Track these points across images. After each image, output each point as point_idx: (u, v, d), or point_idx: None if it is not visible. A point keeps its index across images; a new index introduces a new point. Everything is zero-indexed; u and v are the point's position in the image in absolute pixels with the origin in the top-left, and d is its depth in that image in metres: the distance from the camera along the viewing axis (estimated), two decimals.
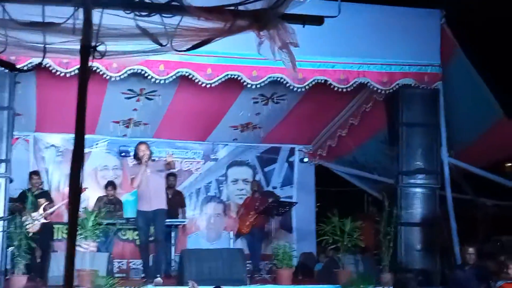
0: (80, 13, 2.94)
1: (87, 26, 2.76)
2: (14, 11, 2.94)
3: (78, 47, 2.87)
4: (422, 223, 9.36)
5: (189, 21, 3.10)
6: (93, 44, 2.89)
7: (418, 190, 9.47)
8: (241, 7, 3.14)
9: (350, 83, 9.07)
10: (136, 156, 9.17)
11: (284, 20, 3.18)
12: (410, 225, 9.36)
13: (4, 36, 2.97)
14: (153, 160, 9.32)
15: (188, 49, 3.21)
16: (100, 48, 3.00)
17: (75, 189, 2.95)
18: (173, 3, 3.02)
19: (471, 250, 8.36)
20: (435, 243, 9.36)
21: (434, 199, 9.49)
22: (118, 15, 3.06)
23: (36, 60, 7.83)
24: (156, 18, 3.04)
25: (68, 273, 3.02)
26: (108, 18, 3.00)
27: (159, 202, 9.11)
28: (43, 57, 3.03)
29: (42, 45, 3.00)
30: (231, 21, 3.07)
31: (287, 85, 8.94)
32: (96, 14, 2.94)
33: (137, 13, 3.00)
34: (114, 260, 10.12)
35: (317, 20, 3.41)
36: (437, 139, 9.52)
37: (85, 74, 2.80)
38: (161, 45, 3.10)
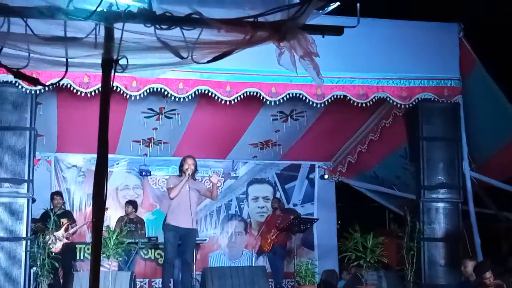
0: (102, 27, 2.97)
1: (108, 40, 2.79)
2: (37, 26, 2.99)
3: (100, 61, 2.90)
4: (445, 238, 9.26)
5: (209, 34, 3.12)
6: (114, 57, 2.92)
7: (440, 204, 9.38)
8: (260, 19, 3.15)
9: (370, 98, 9.04)
10: (180, 168, 9.12)
11: (303, 30, 3.18)
12: (433, 240, 9.26)
13: (27, 51, 3.02)
14: (195, 179, 9.26)
15: (208, 61, 3.22)
16: (122, 61, 3.02)
17: (99, 207, 2.95)
18: (193, 16, 3.04)
19: (469, 264, 8.30)
20: (459, 258, 9.25)
21: (457, 213, 9.39)
22: (139, 31, 3.09)
23: (58, 80, 8.05)
24: (176, 31, 3.07)
25: None
26: (129, 32, 3.03)
27: (194, 220, 8.99)
28: (66, 71, 3.05)
29: (64, 59, 3.04)
30: (251, 32, 3.09)
31: (306, 101, 8.93)
32: (117, 28, 2.98)
33: (157, 26, 3.03)
34: (136, 280, 10.11)
35: (337, 31, 3.42)
36: (458, 153, 9.44)
37: (107, 88, 2.82)
38: (181, 57, 3.12)
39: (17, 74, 3.04)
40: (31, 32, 2.94)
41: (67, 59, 3.04)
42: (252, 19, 3.13)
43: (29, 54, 3.06)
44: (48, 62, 3.11)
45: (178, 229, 8.91)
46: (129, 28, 3.00)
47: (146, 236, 10.87)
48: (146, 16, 3.00)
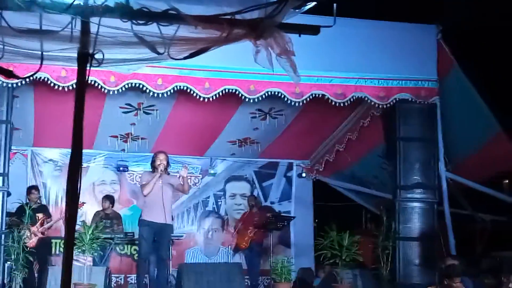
0: (78, 21, 2.96)
1: (84, 34, 2.79)
2: (12, 19, 2.97)
3: (76, 55, 2.89)
4: (421, 238, 9.34)
5: (186, 30, 3.12)
6: (90, 52, 2.91)
7: (416, 204, 9.48)
8: (237, 16, 3.16)
9: (348, 98, 9.09)
10: (153, 164, 9.07)
11: (280, 29, 3.20)
12: (408, 240, 9.35)
13: (1, 43, 3.00)
14: (168, 174, 9.20)
15: (185, 58, 3.22)
16: (98, 56, 3.01)
17: (73, 202, 2.94)
18: (170, 12, 3.03)
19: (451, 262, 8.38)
20: (433, 257, 9.33)
21: (432, 213, 9.49)
22: (116, 26, 3.08)
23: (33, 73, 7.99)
24: (153, 26, 3.06)
25: (65, 286, 3.00)
26: (105, 26, 3.02)
27: (169, 215, 8.92)
28: (40, 65, 3.04)
29: (39, 52, 3.02)
30: (228, 30, 3.09)
31: (285, 99, 8.95)
32: (93, 22, 2.97)
33: (134, 21, 3.02)
34: (111, 275, 10.06)
35: (313, 30, 3.43)
36: (434, 153, 9.53)
37: (82, 82, 2.81)
38: (158, 53, 3.12)
39: None
40: (6, 24, 2.92)
41: (42, 52, 3.02)
42: (229, 17, 3.14)
43: (3, 46, 3.04)
44: (23, 55, 3.09)
45: (153, 224, 8.86)
46: (106, 22, 2.99)
47: (123, 231, 10.82)
48: (123, 11, 3.00)
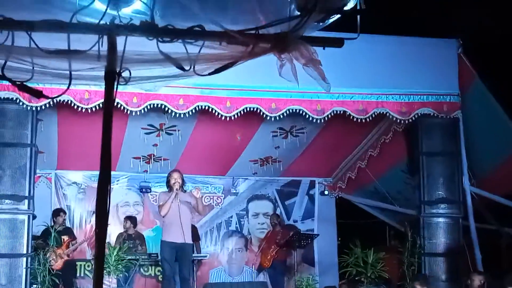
0: (105, 40, 3.00)
1: (111, 52, 2.82)
2: (40, 39, 3.02)
3: (103, 73, 2.93)
4: (446, 253, 9.25)
5: (211, 46, 3.15)
6: (117, 70, 2.94)
7: (440, 220, 9.39)
8: (262, 31, 3.19)
9: (369, 114, 9.07)
10: (168, 184, 9.09)
11: (304, 41, 3.22)
12: (434, 256, 9.26)
13: (31, 64, 3.05)
14: (184, 191, 9.22)
15: (210, 73, 3.25)
16: (124, 74, 3.05)
17: (102, 222, 2.96)
18: (195, 28, 3.07)
19: (477, 278, 8.31)
20: (460, 273, 9.24)
21: (457, 228, 9.39)
22: (142, 44, 3.12)
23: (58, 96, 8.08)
24: (178, 43, 3.10)
25: None
26: (131, 44, 3.06)
27: (188, 234, 8.90)
28: (69, 84, 3.08)
29: (67, 72, 3.07)
30: (252, 44, 3.12)
31: (306, 116, 8.96)
32: (120, 41, 3.01)
33: (159, 39, 3.06)
34: None
35: (337, 43, 3.45)
36: (458, 168, 9.46)
37: (110, 100, 2.85)
38: (184, 69, 3.15)
39: (21, 86, 3.07)
40: (35, 45, 2.97)
41: (70, 72, 3.06)
42: (253, 32, 3.17)
43: (33, 67, 3.09)
44: (52, 74, 3.13)
45: (173, 244, 8.87)
46: (132, 41, 3.03)
47: (147, 252, 10.83)
48: (149, 29, 3.03)
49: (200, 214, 9.72)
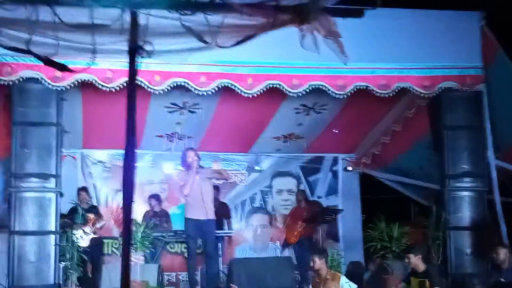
0: (127, 14, 3.04)
1: (134, 26, 2.86)
2: (64, 14, 3.07)
3: (126, 47, 2.97)
4: (471, 227, 9.24)
5: (232, 18, 3.18)
6: (140, 43, 2.98)
7: (465, 193, 9.36)
8: (282, 2, 3.20)
9: (391, 89, 9.02)
10: (185, 163, 9.19)
11: (324, 13, 3.23)
12: (459, 229, 9.24)
13: (55, 39, 3.10)
14: (202, 167, 9.32)
15: (232, 45, 3.28)
16: (148, 47, 3.09)
17: (128, 199, 3.03)
18: (216, 1, 3.09)
19: (502, 251, 8.30)
20: (485, 246, 9.22)
21: (482, 202, 9.36)
22: (164, 17, 3.16)
23: (81, 76, 8.17)
24: (200, 16, 3.13)
25: (125, 284, 3.09)
26: (153, 18, 3.10)
27: (210, 211, 9.04)
28: (93, 57, 3.13)
29: (91, 46, 3.12)
30: (273, 16, 3.14)
31: (328, 92, 8.94)
32: (142, 15, 3.04)
33: (181, 12, 3.09)
34: (163, 273, 10.19)
35: (357, 13, 3.45)
36: (482, 141, 9.40)
37: (134, 74, 2.89)
38: (205, 42, 3.18)
39: (46, 61, 3.12)
40: (59, 20, 3.02)
41: (94, 47, 3.11)
42: (274, 3, 3.18)
43: (57, 42, 3.14)
44: (76, 49, 3.19)
45: (196, 221, 9.00)
46: (154, 14, 3.07)
47: (172, 229, 10.95)
48: (170, 2, 3.07)
49: (227, 179, 9.74)
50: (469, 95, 9.34)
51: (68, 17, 3.09)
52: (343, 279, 7.84)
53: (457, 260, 9.19)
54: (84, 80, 8.30)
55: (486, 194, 9.42)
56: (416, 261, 8.10)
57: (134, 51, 2.86)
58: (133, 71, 2.86)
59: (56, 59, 3.14)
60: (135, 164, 3.01)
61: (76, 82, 8.36)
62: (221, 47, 3.26)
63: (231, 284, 7.73)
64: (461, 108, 9.42)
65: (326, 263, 8.16)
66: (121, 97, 8.42)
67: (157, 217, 10.98)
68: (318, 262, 8.01)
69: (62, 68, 3.24)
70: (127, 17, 3.04)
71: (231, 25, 3.15)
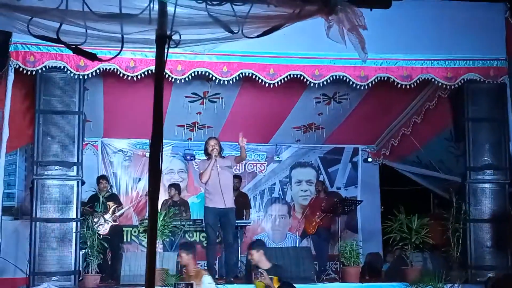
0: (155, 4, 3.06)
1: (162, 15, 2.87)
2: (93, 3, 3.09)
3: (154, 36, 2.99)
4: (492, 219, 9.19)
5: (259, 8, 3.18)
6: (168, 33, 3.00)
7: (486, 186, 9.32)
8: None
9: (414, 80, 8.97)
10: (206, 151, 9.25)
11: (351, 3, 3.22)
12: (479, 222, 9.21)
13: (84, 28, 3.12)
14: (223, 157, 9.36)
15: (258, 36, 3.28)
16: (175, 37, 3.11)
17: (154, 187, 3.05)
18: None
19: None
20: (506, 239, 9.18)
21: (503, 194, 9.31)
22: (191, 6, 3.17)
23: (105, 65, 8.21)
24: (227, 6, 3.14)
25: (150, 271, 3.12)
26: (181, 8, 3.12)
27: (229, 199, 9.10)
28: (121, 48, 3.15)
29: (119, 35, 3.14)
30: (300, 6, 3.14)
31: (350, 83, 8.92)
32: (170, 5, 3.06)
33: (208, 1, 3.10)
34: None
35: (385, 3, 3.44)
36: (505, 133, 9.33)
37: (161, 63, 2.91)
38: (232, 32, 3.19)
39: (76, 50, 3.15)
40: (88, 9, 3.04)
41: (122, 35, 3.13)
42: None
43: (86, 31, 3.17)
44: (104, 38, 3.21)
45: (215, 210, 9.08)
46: (182, 3, 3.08)
47: (191, 218, 11.00)
48: None
49: (243, 159, 9.73)
50: (493, 87, 9.27)
51: (97, 7, 3.12)
52: (206, 279, 7.79)
53: (476, 252, 9.16)
54: (107, 69, 8.34)
55: (508, 187, 9.36)
56: (259, 257, 8.01)
57: (162, 40, 2.87)
58: (161, 61, 2.88)
59: (84, 48, 3.17)
60: (161, 153, 3.02)
61: (98, 71, 8.40)
62: (248, 37, 3.27)
63: (259, 269, 7.71)
64: (484, 100, 9.36)
65: (194, 259, 8.21)
66: (142, 87, 8.55)
67: (176, 206, 11.02)
68: (185, 257, 8.07)
69: (92, 57, 3.26)
70: (155, 7, 3.06)
71: (258, 15, 3.16)
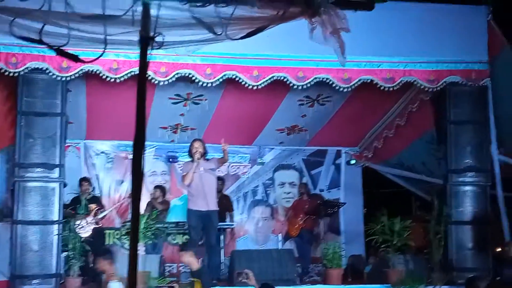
0: (139, 5, 3.05)
1: (145, 17, 2.86)
2: (76, 4, 3.08)
3: (137, 38, 2.98)
4: (473, 222, 9.24)
5: (243, 10, 3.18)
6: (151, 34, 2.99)
7: (468, 188, 9.37)
8: None
9: (397, 82, 9.01)
10: (190, 153, 9.23)
11: (335, 6, 3.23)
12: (460, 224, 9.25)
13: (67, 29, 3.10)
14: (207, 160, 9.35)
15: (242, 37, 3.28)
16: (158, 38, 3.10)
17: (136, 189, 3.03)
18: None
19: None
20: (487, 241, 9.24)
21: (484, 197, 9.37)
22: (175, 8, 3.16)
23: (88, 67, 8.16)
24: (211, 8, 3.13)
25: (131, 273, 3.09)
26: (165, 9, 3.11)
27: (212, 202, 9.11)
28: (104, 48, 3.14)
29: (102, 37, 3.12)
30: (284, 8, 3.14)
31: (333, 85, 8.94)
32: (153, 6, 3.05)
33: (192, 3, 3.09)
34: (164, 264, 10.20)
35: (367, 5, 3.46)
36: (486, 136, 9.39)
37: (144, 65, 2.89)
38: (215, 34, 3.19)
39: (58, 51, 3.13)
40: (71, 10, 3.03)
41: (105, 36, 3.11)
42: None
43: (69, 32, 3.15)
44: (87, 39, 3.19)
45: (198, 213, 9.09)
46: (165, 5, 3.07)
47: (167, 221, 10.97)
48: None
49: (225, 161, 9.73)
50: (474, 90, 9.34)
51: (81, 8, 3.10)
52: (114, 285, 7.81)
53: (458, 254, 9.20)
54: (90, 70, 8.30)
55: (489, 189, 9.42)
56: (189, 259, 8.03)
57: (146, 42, 2.86)
58: (144, 62, 2.87)
59: (66, 49, 3.14)
60: (144, 155, 3.00)
61: (81, 73, 8.35)
62: (231, 39, 3.27)
63: (245, 270, 7.69)
64: (465, 102, 9.42)
65: (111, 264, 8.16)
66: (124, 88, 8.51)
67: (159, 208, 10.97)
68: (103, 263, 8.08)
69: (74, 58, 3.24)
70: (139, 8, 3.05)
71: (241, 17, 3.16)
